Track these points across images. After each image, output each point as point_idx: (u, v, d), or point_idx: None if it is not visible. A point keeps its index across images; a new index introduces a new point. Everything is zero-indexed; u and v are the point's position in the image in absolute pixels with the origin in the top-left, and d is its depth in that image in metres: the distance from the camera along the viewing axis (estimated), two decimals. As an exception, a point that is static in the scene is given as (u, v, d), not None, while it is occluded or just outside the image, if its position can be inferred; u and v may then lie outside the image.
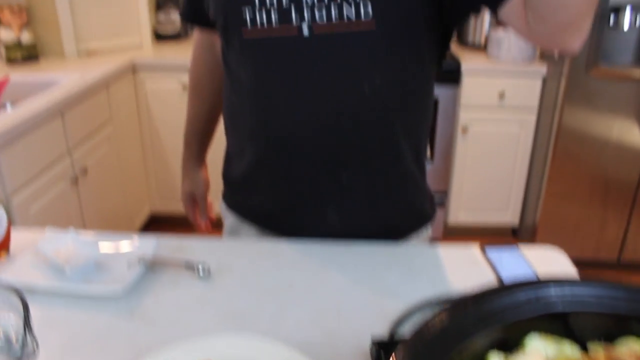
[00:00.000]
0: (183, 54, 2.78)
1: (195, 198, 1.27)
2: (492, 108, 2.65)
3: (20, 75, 2.31)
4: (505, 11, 0.78)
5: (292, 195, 0.97)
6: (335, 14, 0.82)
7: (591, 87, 2.39)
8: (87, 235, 0.94)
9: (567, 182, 2.59)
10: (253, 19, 0.85)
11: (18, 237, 0.95)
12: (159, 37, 3.08)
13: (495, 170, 2.79)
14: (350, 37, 0.83)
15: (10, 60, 2.59)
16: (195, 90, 1.22)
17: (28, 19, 2.61)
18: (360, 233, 0.97)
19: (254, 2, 0.84)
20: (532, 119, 2.68)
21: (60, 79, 2.20)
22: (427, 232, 1.07)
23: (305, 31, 0.83)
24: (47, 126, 1.91)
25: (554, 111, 2.52)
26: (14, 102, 2.15)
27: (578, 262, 0.93)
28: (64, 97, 1.99)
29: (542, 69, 2.56)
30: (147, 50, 2.92)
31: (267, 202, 1.01)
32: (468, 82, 2.61)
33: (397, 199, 0.99)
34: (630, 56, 2.40)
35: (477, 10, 0.87)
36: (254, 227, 1.05)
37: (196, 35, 1.19)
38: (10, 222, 0.91)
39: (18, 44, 2.58)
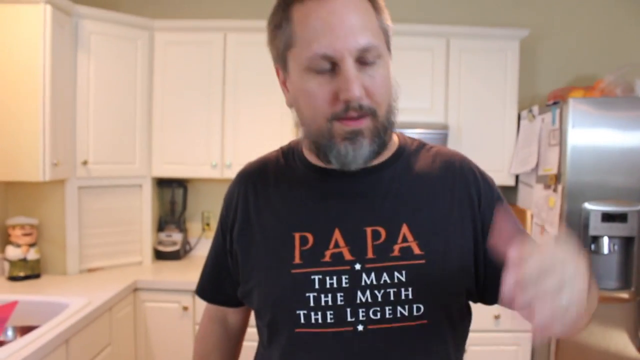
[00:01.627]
0: (182, 274, 2.85)
1: None
2: (489, 330, 2.69)
3: (25, 296, 2.29)
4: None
5: None
6: (389, 312, 0.86)
7: (583, 309, 2.47)
8: None
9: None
10: (307, 318, 0.88)
11: None
12: (158, 253, 3.16)
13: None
14: (403, 330, 0.87)
15: (13, 278, 2.61)
16: None
17: (36, 238, 2.70)
18: None
19: (309, 305, 0.87)
20: (527, 336, 2.71)
21: (66, 303, 2.18)
22: None
23: (360, 327, 0.87)
24: (51, 357, 1.85)
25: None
26: (17, 326, 2.13)
27: None
28: (71, 324, 1.97)
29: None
30: (146, 269, 2.97)
31: None
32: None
33: None
34: (615, 280, 2.54)
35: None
36: None
37: (208, 308, 1.17)
38: None
39: (23, 261, 2.63)
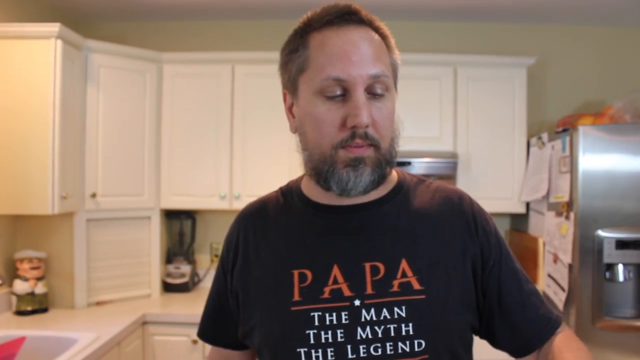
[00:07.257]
0: (191, 306, 2.82)
1: None
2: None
3: (32, 331, 2.26)
4: None
5: None
6: (390, 348, 0.85)
7: (599, 337, 2.42)
8: None
9: None
10: (308, 356, 0.86)
11: None
12: (167, 286, 3.14)
13: None
14: None
15: (20, 312, 2.59)
16: None
17: (44, 271, 2.68)
18: None
19: (310, 342, 0.86)
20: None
21: (75, 338, 2.16)
22: None
23: None
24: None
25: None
26: (24, 363, 2.10)
27: None
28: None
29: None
30: (155, 302, 2.95)
31: None
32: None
33: None
34: (631, 308, 2.49)
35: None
36: None
37: (211, 354, 1.14)
38: None
39: (31, 295, 2.60)
